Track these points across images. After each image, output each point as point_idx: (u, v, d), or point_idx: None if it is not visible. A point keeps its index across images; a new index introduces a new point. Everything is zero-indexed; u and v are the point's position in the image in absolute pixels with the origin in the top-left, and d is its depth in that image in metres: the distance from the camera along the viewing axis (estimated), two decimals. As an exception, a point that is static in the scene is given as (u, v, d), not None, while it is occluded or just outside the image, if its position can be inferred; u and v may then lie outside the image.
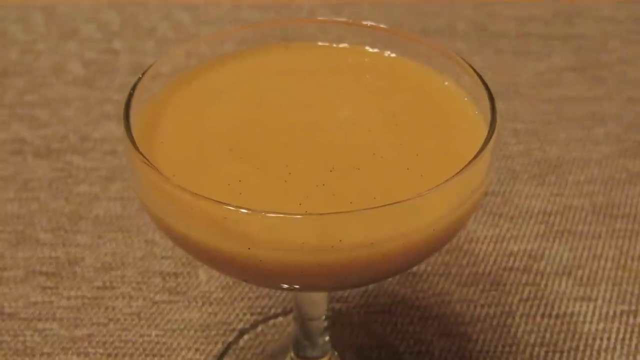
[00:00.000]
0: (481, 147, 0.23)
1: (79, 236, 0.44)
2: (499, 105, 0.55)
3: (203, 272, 0.42)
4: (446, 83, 0.29)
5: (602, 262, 0.43)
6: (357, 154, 0.25)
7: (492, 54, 0.61)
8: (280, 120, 0.27)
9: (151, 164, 0.23)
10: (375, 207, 0.21)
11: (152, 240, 0.44)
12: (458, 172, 0.22)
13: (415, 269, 0.42)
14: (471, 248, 0.44)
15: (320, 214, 0.21)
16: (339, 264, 0.22)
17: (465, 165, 0.23)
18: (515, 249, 0.44)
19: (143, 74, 0.28)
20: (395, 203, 0.21)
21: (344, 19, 0.30)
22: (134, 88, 0.27)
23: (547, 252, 0.44)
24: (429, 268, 0.43)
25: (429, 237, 0.23)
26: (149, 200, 0.24)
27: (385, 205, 0.21)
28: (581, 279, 0.42)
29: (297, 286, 0.24)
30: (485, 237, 0.45)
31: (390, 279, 0.41)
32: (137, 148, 0.24)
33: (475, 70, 0.27)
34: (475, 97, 0.28)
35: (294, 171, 0.24)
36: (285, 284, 0.24)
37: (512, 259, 0.43)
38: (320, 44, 0.31)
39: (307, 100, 0.28)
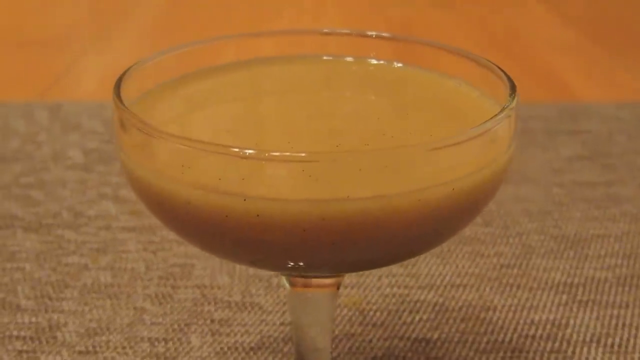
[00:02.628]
0: (502, 108, 0.21)
1: (63, 303, 0.41)
2: (507, 189, 0.53)
3: (195, 338, 0.39)
4: (458, 83, 0.28)
5: (634, 331, 0.40)
6: (365, 134, 0.23)
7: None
8: (281, 110, 0.25)
9: (142, 118, 0.21)
10: (387, 149, 0.19)
11: (142, 307, 0.41)
12: (476, 126, 0.20)
13: (428, 334, 0.39)
14: (489, 316, 0.41)
15: (327, 153, 0.19)
16: (346, 219, 0.19)
17: (484, 122, 0.21)
18: (537, 317, 0.40)
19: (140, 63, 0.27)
20: (409, 146, 0.19)
21: (346, 30, 0.29)
22: (127, 70, 0.25)
23: (572, 321, 0.40)
24: (444, 335, 0.39)
25: (447, 198, 0.20)
26: (138, 165, 0.22)
27: (398, 148, 0.19)
28: (612, 346, 0.38)
29: (297, 261, 0.21)
30: (504, 306, 0.41)
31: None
32: (127, 108, 0.22)
33: (487, 61, 0.26)
34: (490, 89, 0.26)
35: (296, 145, 0.22)
36: (284, 253, 0.21)
37: (534, 327, 0.40)
38: (325, 57, 0.30)
39: (310, 98, 0.27)
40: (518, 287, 0.43)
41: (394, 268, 0.44)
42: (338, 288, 0.30)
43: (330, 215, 0.19)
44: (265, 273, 0.44)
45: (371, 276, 0.44)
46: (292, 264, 0.22)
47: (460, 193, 0.21)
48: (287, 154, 0.19)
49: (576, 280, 0.44)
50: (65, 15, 1.02)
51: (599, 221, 0.49)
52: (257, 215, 0.20)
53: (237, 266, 0.44)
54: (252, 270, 0.44)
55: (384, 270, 0.44)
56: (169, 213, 0.22)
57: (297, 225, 0.20)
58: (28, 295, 0.42)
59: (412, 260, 0.45)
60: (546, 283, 0.43)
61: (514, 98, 0.23)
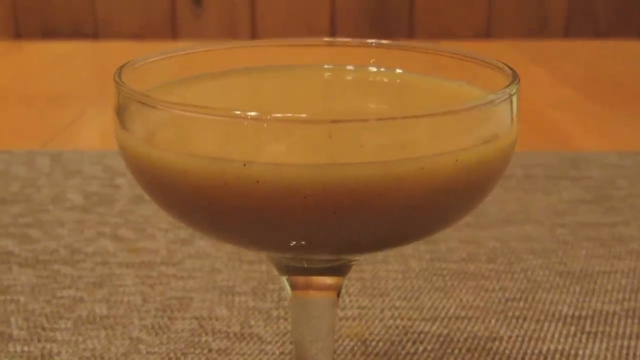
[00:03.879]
0: (504, 87, 0.21)
1: (57, 333, 0.40)
2: (510, 228, 0.53)
3: (192, 366, 0.37)
4: (459, 85, 0.27)
5: (645, 361, 0.38)
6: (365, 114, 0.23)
7: (500, 190, 0.59)
8: (278, 100, 0.25)
9: (141, 91, 0.21)
10: (389, 115, 0.18)
11: (138, 337, 0.40)
12: (479, 100, 0.20)
13: (433, 363, 0.37)
14: (495, 347, 0.39)
15: (328, 116, 0.18)
16: (347, 186, 0.19)
17: (486, 95, 0.20)
18: (545, 348, 0.39)
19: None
20: (410, 113, 0.18)
21: (347, 39, 0.30)
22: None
23: (581, 351, 0.39)
24: (449, 364, 0.38)
25: (451, 169, 0.20)
26: (136, 142, 0.22)
27: (400, 114, 0.18)
28: (623, 375, 0.37)
29: (298, 235, 0.20)
30: (510, 337, 0.40)
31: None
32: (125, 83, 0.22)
33: (487, 58, 0.26)
34: (493, 86, 0.26)
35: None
36: (284, 225, 0.20)
37: (542, 357, 0.38)
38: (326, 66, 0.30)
39: (309, 102, 0.27)
40: (524, 319, 0.42)
41: (396, 300, 0.43)
42: (338, 295, 0.29)
43: (331, 181, 0.19)
44: (264, 305, 0.43)
45: (373, 309, 0.43)
46: (292, 240, 0.21)
47: (464, 166, 0.20)
48: (289, 115, 0.19)
49: (584, 312, 0.42)
50: (70, 74, 1.04)
51: (604, 258, 0.49)
52: (257, 182, 0.19)
53: (237, 298, 0.43)
54: (251, 303, 0.43)
55: (386, 302, 0.43)
56: (167, 188, 0.21)
57: (298, 191, 0.19)
58: (21, 325, 0.41)
59: (415, 293, 0.44)
60: (553, 315, 0.42)
61: (515, 82, 0.23)
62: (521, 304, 0.43)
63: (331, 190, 0.19)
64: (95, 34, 1.37)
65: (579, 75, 1.02)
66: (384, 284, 0.45)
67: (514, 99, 0.23)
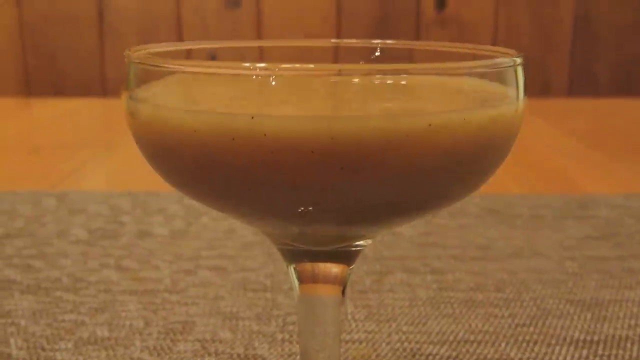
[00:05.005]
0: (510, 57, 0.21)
1: (57, 354, 0.39)
2: (518, 261, 0.52)
3: (195, 383, 0.36)
4: (462, 80, 0.27)
5: (661, 381, 0.37)
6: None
7: (506, 228, 0.59)
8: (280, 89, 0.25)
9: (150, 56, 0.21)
10: (397, 68, 0.18)
11: (140, 358, 0.39)
12: (485, 61, 0.20)
13: (442, 381, 0.36)
14: (506, 368, 0.38)
15: (337, 68, 0.18)
16: (354, 138, 0.18)
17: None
18: (557, 370, 0.38)
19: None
20: (418, 68, 0.19)
21: (353, 40, 0.30)
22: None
23: (594, 372, 0.38)
24: (459, 384, 0.37)
25: (458, 128, 0.20)
26: (144, 107, 0.22)
27: (408, 69, 0.18)
28: (639, 394, 0.36)
29: (305, 196, 0.20)
30: (521, 359, 0.39)
31: None
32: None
33: (488, 48, 0.26)
34: (497, 77, 0.26)
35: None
36: (292, 185, 0.20)
37: (554, 378, 0.37)
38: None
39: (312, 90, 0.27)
40: (535, 342, 0.41)
41: (403, 325, 0.42)
42: (343, 292, 0.29)
43: (339, 133, 0.19)
44: (269, 329, 0.42)
45: (380, 333, 0.42)
46: (299, 203, 0.21)
47: (472, 126, 0.20)
48: (297, 65, 0.19)
49: (596, 337, 0.41)
50: (77, 126, 1.05)
51: (615, 289, 0.48)
52: (265, 135, 0.19)
53: (240, 323, 0.43)
54: (255, 327, 0.42)
55: (393, 327, 0.42)
56: (176, 151, 0.21)
57: (305, 144, 0.19)
58: (20, 346, 0.40)
59: (422, 319, 0.43)
60: (564, 339, 0.41)
61: (521, 56, 0.23)
62: (531, 329, 0.42)
63: (338, 142, 0.19)
64: (103, 94, 1.39)
65: (583, 128, 1.03)
66: (391, 310, 0.44)
67: (519, 71, 0.23)
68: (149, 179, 0.75)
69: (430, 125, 0.20)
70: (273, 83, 0.19)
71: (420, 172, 0.21)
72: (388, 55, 0.29)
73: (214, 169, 0.21)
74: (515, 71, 0.23)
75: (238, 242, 0.55)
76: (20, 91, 1.40)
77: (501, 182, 0.74)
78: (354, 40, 0.29)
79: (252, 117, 0.19)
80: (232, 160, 0.20)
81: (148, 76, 0.22)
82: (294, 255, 0.26)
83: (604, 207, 0.64)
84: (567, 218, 0.61)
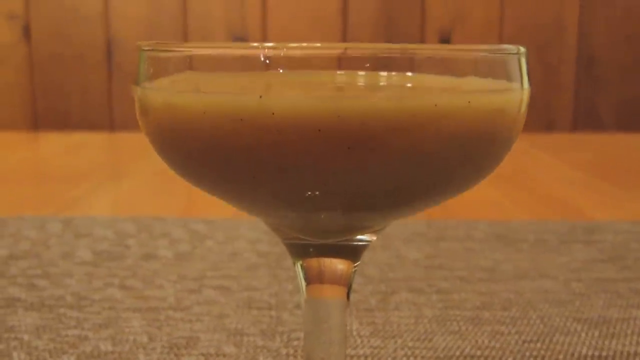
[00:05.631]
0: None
1: (59, 366, 0.39)
2: (524, 282, 0.52)
3: (198, 394, 0.36)
4: (467, 80, 0.28)
5: (671, 395, 0.36)
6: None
7: (512, 251, 0.59)
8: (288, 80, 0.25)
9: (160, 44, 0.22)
10: (401, 51, 0.19)
11: (143, 370, 0.38)
12: (489, 47, 0.21)
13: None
14: (513, 382, 0.38)
15: (344, 47, 0.19)
16: (361, 118, 0.19)
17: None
18: (565, 383, 0.38)
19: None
20: (422, 48, 0.19)
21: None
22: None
23: (603, 386, 0.37)
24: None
25: (463, 111, 0.20)
26: (154, 93, 0.22)
27: (412, 49, 0.19)
28: (649, 407, 0.35)
29: (313, 183, 0.20)
30: (528, 373, 0.39)
31: None
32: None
33: (491, 46, 0.26)
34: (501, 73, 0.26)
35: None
36: (298, 166, 0.20)
37: (562, 392, 0.37)
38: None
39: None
40: (542, 358, 0.40)
41: (409, 341, 0.42)
42: (348, 296, 0.29)
43: (346, 112, 0.19)
44: (274, 344, 0.41)
45: (386, 348, 0.41)
46: (306, 187, 0.21)
47: (476, 109, 0.20)
48: (304, 44, 0.19)
49: (604, 353, 0.41)
50: (84, 158, 1.06)
51: (622, 308, 0.47)
52: (273, 114, 0.19)
53: (245, 338, 0.42)
54: (260, 342, 0.42)
55: (399, 343, 0.42)
56: (185, 135, 0.21)
57: (312, 123, 0.19)
58: (24, 359, 0.39)
59: (428, 335, 0.43)
60: (572, 355, 0.41)
61: (524, 49, 0.23)
62: (538, 345, 0.42)
63: (345, 121, 0.19)
64: (111, 129, 1.40)
65: (588, 160, 1.03)
66: (396, 327, 0.44)
67: (522, 61, 0.23)
68: (154, 206, 0.76)
69: (435, 105, 0.20)
70: (280, 57, 0.20)
71: (425, 153, 0.21)
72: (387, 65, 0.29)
73: (223, 151, 0.21)
74: (519, 60, 0.23)
75: (243, 264, 0.55)
76: (28, 127, 1.42)
77: (506, 210, 0.74)
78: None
79: (260, 97, 0.19)
80: (241, 141, 0.20)
81: (158, 65, 0.22)
82: (300, 251, 0.26)
83: (610, 233, 0.64)
84: (573, 242, 0.61)
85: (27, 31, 1.50)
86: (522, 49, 0.23)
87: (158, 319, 0.45)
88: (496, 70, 0.22)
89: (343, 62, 0.20)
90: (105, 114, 1.45)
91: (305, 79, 0.20)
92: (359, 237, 0.25)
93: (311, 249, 0.25)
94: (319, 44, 0.19)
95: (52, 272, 0.53)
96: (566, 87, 1.50)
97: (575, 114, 1.49)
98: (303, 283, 0.29)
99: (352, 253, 0.26)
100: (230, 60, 0.21)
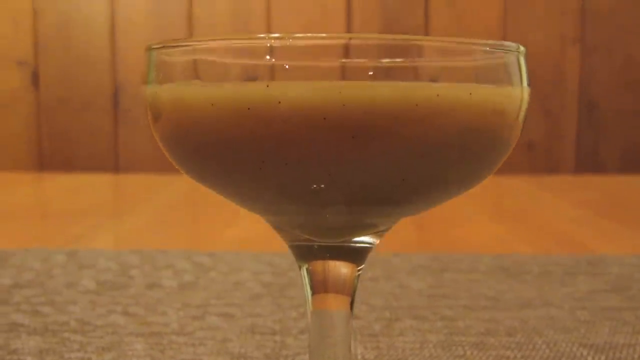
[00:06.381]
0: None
1: (62, 386, 0.38)
2: (528, 311, 0.52)
3: (201, 412, 0.35)
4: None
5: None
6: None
7: (516, 282, 0.59)
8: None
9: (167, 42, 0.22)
10: (405, 40, 0.19)
11: (146, 390, 0.38)
12: (490, 42, 0.21)
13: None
14: (519, 402, 0.37)
15: (349, 36, 0.19)
16: (365, 106, 0.19)
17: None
18: (572, 404, 0.37)
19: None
20: (425, 40, 0.19)
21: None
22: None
23: (610, 407, 0.37)
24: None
25: (465, 102, 0.20)
26: (162, 90, 0.22)
27: (417, 41, 0.19)
28: None
29: (317, 174, 0.20)
30: (534, 394, 0.38)
31: None
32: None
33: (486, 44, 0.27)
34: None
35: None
36: (304, 155, 0.20)
37: (569, 412, 0.36)
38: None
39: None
40: (549, 380, 0.40)
41: (409, 358, 0.42)
42: (351, 307, 0.29)
43: (350, 101, 0.20)
44: (277, 366, 0.41)
45: (390, 371, 0.41)
46: (311, 178, 0.21)
47: (477, 100, 0.21)
48: (309, 34, 0.20)
49: (611, 376, 0.41)
50: (88, 197, 1.06)
51: (629, 334, 0.47)
52: (279, 102, 0.20)
53: (248, 361, 0.42)
54: (263, 364, 0.42)
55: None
56: (193, 129, 0.22)
57: (318, 111, 0.20)
58: (25, 379, 0.39)
59: (433, 359, 0.42)
60: (579, 377, 0.40)
61: (524, 48, 0.24)
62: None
63: (350, 109, 0.20)
64: (115, 170, 1.41)
65: (591, 199, 1.04)
66: (401, 352, 0.44)
67: (521, 59, 0.24)
68: (157, 242, 0.76)
69: (438, 95, 0.20)
70: (286, 47, 0.20)
71: (427, 143, 0.21)
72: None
73: (231, 142, 0.22)
74: (518, 58, 0.24)
75: (246, 294, 0.55)
76: (34, 169, 1.43)
77: (510, 245, 0.74)
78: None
79: (267, 86, 0.20)
80: (248, 131, 0.21)
81: (167, 66, 0.23)
82: (305, 252, 0.26)
83: (614, 265, 0.64)
84: (577, 274, 0.61)
85: (35, 77, 1.52)
86: (522, 48, 0.24)
87: (161, 343, 0.45)
88: (497, 66, 0.23)
89: (348, 53, 0.20)
90: (110, 158, 1.46)
91: (311, 69, 0.20)
92: (362, 239, 0.26)
93: (316, 251, 0.26)
94: (324, 34, 0.20)
95: (56, 300, 0.53)
96: (568, 133, 1.51)
97: (577, 159, 1.50)
98: (309, 292, 0.29)
99: (356, 255, 0.26)
100: (236, 51, 0.21)
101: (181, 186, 1.19)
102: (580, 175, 1.41)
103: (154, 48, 0.24)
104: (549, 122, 1.51)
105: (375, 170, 0.21)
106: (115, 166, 1.46)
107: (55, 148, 1.47)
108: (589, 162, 1.50)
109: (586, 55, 1.51)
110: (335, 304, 0.28)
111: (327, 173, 0.21)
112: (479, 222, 0.88)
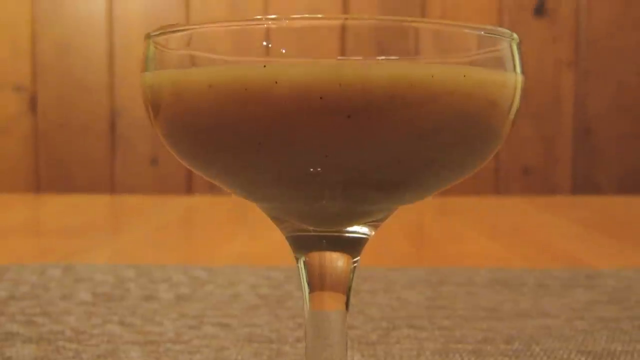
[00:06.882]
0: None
1: (56, 391, 0.38)
2: (526, 320, 0.51)
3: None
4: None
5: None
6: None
7: (513, 294, 0.58)
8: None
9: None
10: (401, 21, 0.20)
11: (141, 395, 0.38)
12: (483, 25, 0.22)
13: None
14: (517, 405, 0.37)
15: (343, 17, 0.20)
16: (361, 85, 0.19)
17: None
18: (570, 407, 0.37)
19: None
20: (420, 21, 0.20)
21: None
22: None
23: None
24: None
25: (459, 83, 0.20)
26: (161, 74, 0.23)
27: (413, 22, 0.20)
28: None
29: (314, 154, 0.20)
30: (533, 398, 0.38)
31: None
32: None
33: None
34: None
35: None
36: (300, 135, 0.20)
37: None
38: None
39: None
40: (547, 385, 0.40)
41: (412, 370, 0.41)
42: (347, 306, 0.29)
43: (347, 80, 0.20)
44: (274, 372, 0.41)
45: (388, 376, 0.41)
46: (308, 159, 0.21)
47: (471, 82, 0.21)
48: (306, 15, 0.20)
49: (609, 381, 0.40)
50: (84, 215, 1.06)
51: (626, 343, 0.47)
52: (276, 82, 0.20)
53: (245, 367, 0.42)
54: (260, 370, 0.41)
55: (401, 371, 0.41)
56: (191, 113, 0.22)
57: (314, 90, 0.20)
58: (20, 384, 0.39)
59: (431, 364, 0.42)
60: (577, 382, 0.40)
61: (517, 37, 0.24)
62: (542, 373, 0.41)
63: (346, 89, 0.20)
64: (112, 192, 1.41)
65: (587, 217, 1.04)
66: (398, 359, 0.44)
67: (514, 47, 0.24)
68: (154, 258, 0.76)
69: (432, 76, 0.21)
70: (283, 28, 0.21)
71: (422, 124, 0.21)
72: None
73: (229, 123, 0.22)
74: (511, 44, 0.24)
75: (243, 305, 0.55)
76: (29, 188, 1.43)
77: (507, 261, 0.74)
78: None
79: (264, 66, 0.20)
80: (246, 111, 0.21)
81: (165, 51, 0.23)
82: (302, 242, 0.26)
83: (612, 278, 0.64)
84: (574, 287, 0.61)
85: (33, 102, 1.53)
86: (516, 36, 0.24)
87: (157, 351, 0.44)
88: (491, 50, 0.23)
89: (345, 33, 0.21)
90: (106, 182, 1.46)
91: (307, 50, 0.21)
92: (357, 229, 0.26)
93: (312, 241, 0.26)
94: (320, 15, 0.20)
95: (52, 311, 0.53)
96: (564, 157, 1.52)
97: (574, 183, 1.50)
98: (306, 290, 0.29)
99: (352, 246, 0.26)
100: (232, 34, 0.22)
101: (177, 207, 1.19)
102: (578, 196, 1.41)
103: (152, 35, 0.24)
104: (544, 146, 1.52)
105: (370, 151, 0.22)
106: (111, 190, 1.46)
107: (52, 172, 1.47)
108: (585, 185, 1.50)
109: (581, 80, 1.52)
110: (332, 303, 0.28)
111: (324, 153, 0.21)
112: (475, 240, 0.88)
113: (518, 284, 0.62)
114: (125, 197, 1.32)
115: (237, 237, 0.90)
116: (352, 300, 0.55)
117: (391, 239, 0.86)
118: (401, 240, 0.87)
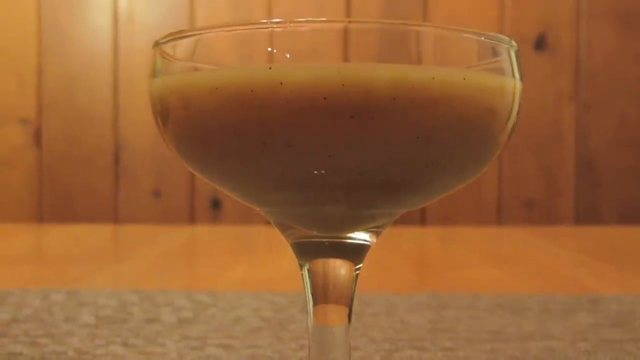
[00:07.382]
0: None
1: (59, 407, 0.38)
2: (530, 343, 0.52)
3: None
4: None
5: None
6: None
7: (516, 318, 0.58)
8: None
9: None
10: (403, 24, 0.20)
11: (144, 411, 0.38)
12: (483, 31, 0.22)
13: None
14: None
15: (347, 21, 0.20)
16: (364, 87, 0.20)
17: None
18: None
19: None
20: (422, 25, 0.20)
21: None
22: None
23: None
24: None
25: (459, 86, 0.21)
26: (166, 80, 0.23)
27: (415, 25, 0.20)
28: None
29: (318, 155, 0.21)
30: (536, 414, 0.38)
31: None
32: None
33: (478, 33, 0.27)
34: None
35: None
36: (304, 136, 0.21)
37: None
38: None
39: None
40: (551, 402, 0.40)
41: (415, 388, 0.41)
42: (349, 318, 0.29)
43: (350, 81, 0.20)
44: (277, 390, 0.41)
45: (391, 394, 0.41)
46: (312, 160, 0.22)
47: (470, 87, 0.22)
48: (310, 18, 0.21)
49: (613, 399, 0.40)
50: (87, 243, 1.06)
51: (633, 356, 0.47)
52: (281, 84, 0.21)
53: (248, 385, 0.42)
54: (263, 388, 0.41)
55: (405, 389, 0.41)
56: (198, 116, 0.22)
57: (318, 91, 0.20)
58: (23, 401, 0.39)
59: (434, 383, 0.42)
60: (581, 400, 0.40)
61: (515, 43, 0.25)
62: (546, 392, 0.41)
63: (349, 90, 0.20)
64: (115, 222, 1.42)
65: (591, 246, 1.04)
66: (402, 378, 0.44)
67: (512, 53, 0.25)
68: (156, 284, 0.76)
69: (433, 78, 0.21)
70: (287, 31, 0.21)
71: (423, 126, 0.22)
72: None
73: (234, 125, 0.22)
74: (509, 50, 0.25)
75: (246, 327, 0.55)
76: (31, 218, 1.43)
77: (511, 286, 0.74)
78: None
79: (270, 68, 0.21)
80: (251, 113, 0.21)
81: (173, 57, 0.24)
82: (306, 249, 0.26)
83: (615, 303, 0.64)
84: (577, 311, 0.61)
85: (38, 135, 1.54)
86: (514, 44, 0.25)
87: (160, 370, 0.44)
88: (490, 56, 0.24)
89: (348, 36, 0.21)
90: (110, 214, 1.47)
91: (311, 53, 0.21)
92: (360, 235, 0.26)
93: (316, 247, 0.26)
94: (324, 19, 0.21)
95: (55, 332, 0.53)
96: (566, 189, 1.52)
97: (576, 215, 1.50)
98: (310, 303, 0.29)
99: (354, 252, 0.27)
100: (239, 37, 0.22)
101: (180, 236, 1.19)
102: (580, 226, 1.41)
103: (160, 42, 0.25)
104: (547, 179, 1.52)
105: (372, 151, 0.22)
106: (114, 222, 1.46)
107: (55, 204, 1.48)
108: (588, 217, 1.50)
109: (582, 113, 1.53)
110: (335, 317, 0.28)
111: (327, 153, 0.22)
112: (478, 266, 0.88)
113: (521, 308, 0.62)
114: (128, 226, 1.32)
115: (239, 265, 0.90)
116: (355, 323, 0.55)
117: (394, 267, 0.86)
118: (404, 268, 0.87)
